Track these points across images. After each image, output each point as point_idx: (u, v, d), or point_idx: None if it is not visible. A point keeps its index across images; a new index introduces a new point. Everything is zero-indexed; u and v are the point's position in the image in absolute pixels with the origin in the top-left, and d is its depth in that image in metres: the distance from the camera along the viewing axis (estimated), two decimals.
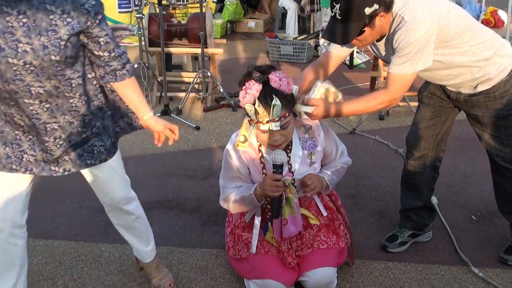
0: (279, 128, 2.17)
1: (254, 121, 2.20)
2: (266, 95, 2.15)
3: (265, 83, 2.18)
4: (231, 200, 2.37)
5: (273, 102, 2.12)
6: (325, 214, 2.46)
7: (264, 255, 2.37)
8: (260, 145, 2.34)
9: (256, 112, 2.16)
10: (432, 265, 2.72)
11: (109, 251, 2.86)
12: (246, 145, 2.31)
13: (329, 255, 2.38)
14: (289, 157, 2.33)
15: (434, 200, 2.99)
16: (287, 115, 2.19)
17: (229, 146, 2.40)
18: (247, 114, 2.23)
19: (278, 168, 2.20)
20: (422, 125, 2.67)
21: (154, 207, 3.32)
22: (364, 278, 2.62)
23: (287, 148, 2.33)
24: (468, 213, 3.20)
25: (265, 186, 2.21)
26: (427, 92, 2.64)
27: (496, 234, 2.96)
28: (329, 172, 2.43)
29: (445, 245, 2.88)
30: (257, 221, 2.41)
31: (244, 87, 2.20)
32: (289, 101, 2.21)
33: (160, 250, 2.85)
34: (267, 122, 2.15)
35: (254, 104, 2.15)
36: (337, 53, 2.50)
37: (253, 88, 2.15)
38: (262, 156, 2.33)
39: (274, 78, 2.18)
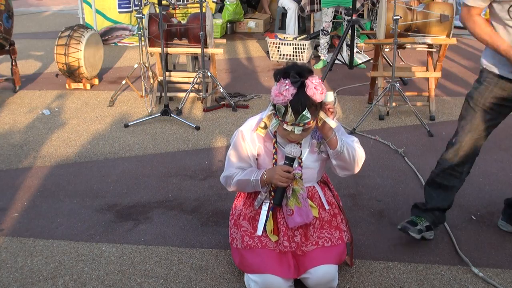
0: (300, 132, 2.25)
1: (280, 119, 2.27)
2: (298, 102, 2.19)
3: (300, 87, 2.20)
4: (234, 178, 2.45)
5: (303, 113, 2.19)
6: (327, 207, 2.50)
7: (262, 249, 2.39)
8: (276, 131, 2.41)
9: (285, 113, 2.23)
10: (432, 265, 2.72)
11: (109, 251, 2.86)
12: (264, 131, 2.38)
13: (332, 253, 2.40)
14: (300, 144, 2.39)
15: None
16: (311, 122, 2.25)
17: (243, 128, 2.45)
18: (274, 108, 2.27)
19: (290, 160, 2.32)
20: (481, 133, 2.69)
21: (154, 207, 3.32)
22: (364, 278, 2.62)
23: None
24: (468, 213, 3.20)
25: (275, 175, 2.31)
26: (495, 99, 2.61)
27: (496, 234, 2.96)
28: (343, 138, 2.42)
29: (445, 245, 2.88)
30: (265, 206, 2.47)
31: (279, 83, 2.23)
32: (317, 108, 2.26)
33: (160, 250, 2.86)
34: (292, 125, 2.23)
35: (285, 106, 2.21)
36: (479, 5, 2.52)
37: (288, 92, 2.18)
38: (276, 142, 2.40)
39: (310, 85, 2.19)
